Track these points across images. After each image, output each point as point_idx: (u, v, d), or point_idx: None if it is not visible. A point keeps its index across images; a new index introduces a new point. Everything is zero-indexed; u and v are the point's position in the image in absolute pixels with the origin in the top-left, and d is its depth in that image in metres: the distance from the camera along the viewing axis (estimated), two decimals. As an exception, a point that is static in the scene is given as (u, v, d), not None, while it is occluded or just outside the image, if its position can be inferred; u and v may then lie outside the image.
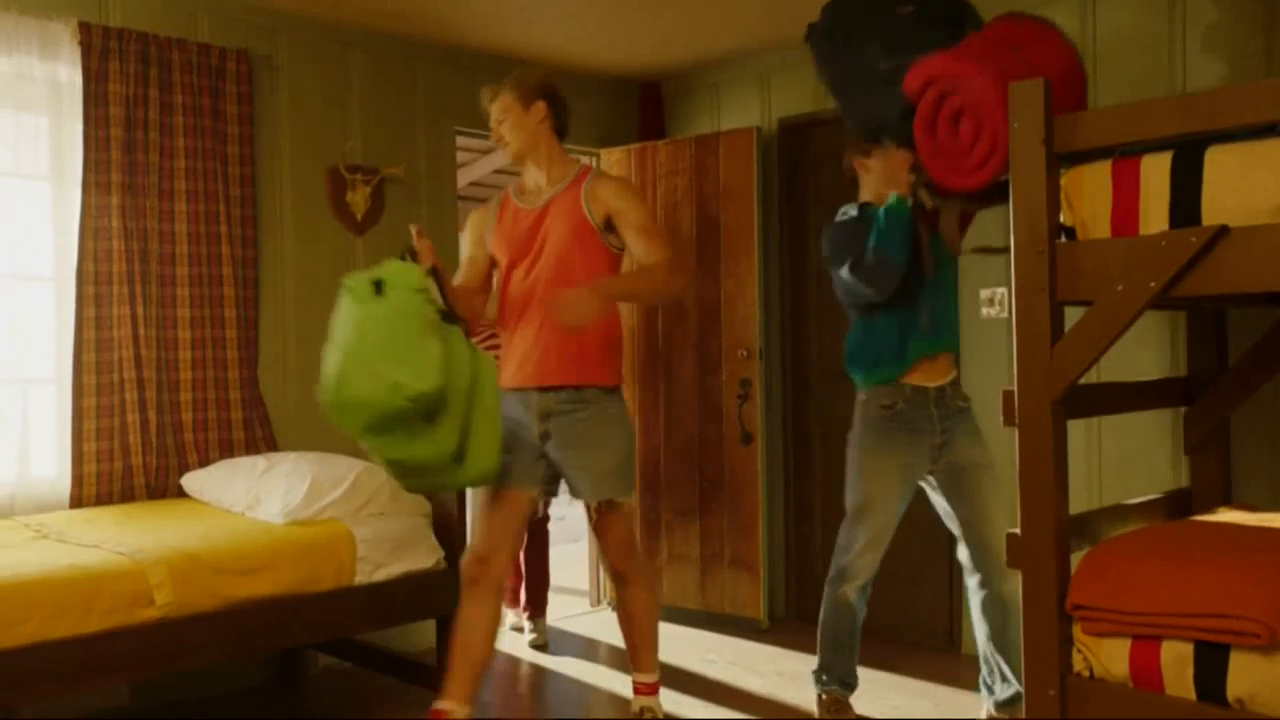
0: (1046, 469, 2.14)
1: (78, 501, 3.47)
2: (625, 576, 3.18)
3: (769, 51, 4.75)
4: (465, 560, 3.03)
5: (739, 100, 4.96)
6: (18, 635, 2.51)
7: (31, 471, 3.47)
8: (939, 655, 4.21)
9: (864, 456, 3.22)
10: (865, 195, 3.22)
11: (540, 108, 3.05)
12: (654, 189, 4.95)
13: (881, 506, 3.17)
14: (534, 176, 3.12)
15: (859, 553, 3.19)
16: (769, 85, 4.85)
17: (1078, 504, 2.88)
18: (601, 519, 3.10)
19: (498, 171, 7.71)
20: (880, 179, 3.15)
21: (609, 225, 3.03)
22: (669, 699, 3.76)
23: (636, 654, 3.24)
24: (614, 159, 5.07)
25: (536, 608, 4.57)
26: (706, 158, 4.78)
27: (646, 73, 5.10)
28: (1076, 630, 2.11)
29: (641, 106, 5.22)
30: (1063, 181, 2.18)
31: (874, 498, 3.18)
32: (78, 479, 3.48)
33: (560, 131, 3.12)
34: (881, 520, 3.18)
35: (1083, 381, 2.22)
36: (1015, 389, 2.18)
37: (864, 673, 3.99)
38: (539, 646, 4.45)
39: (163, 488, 3.63)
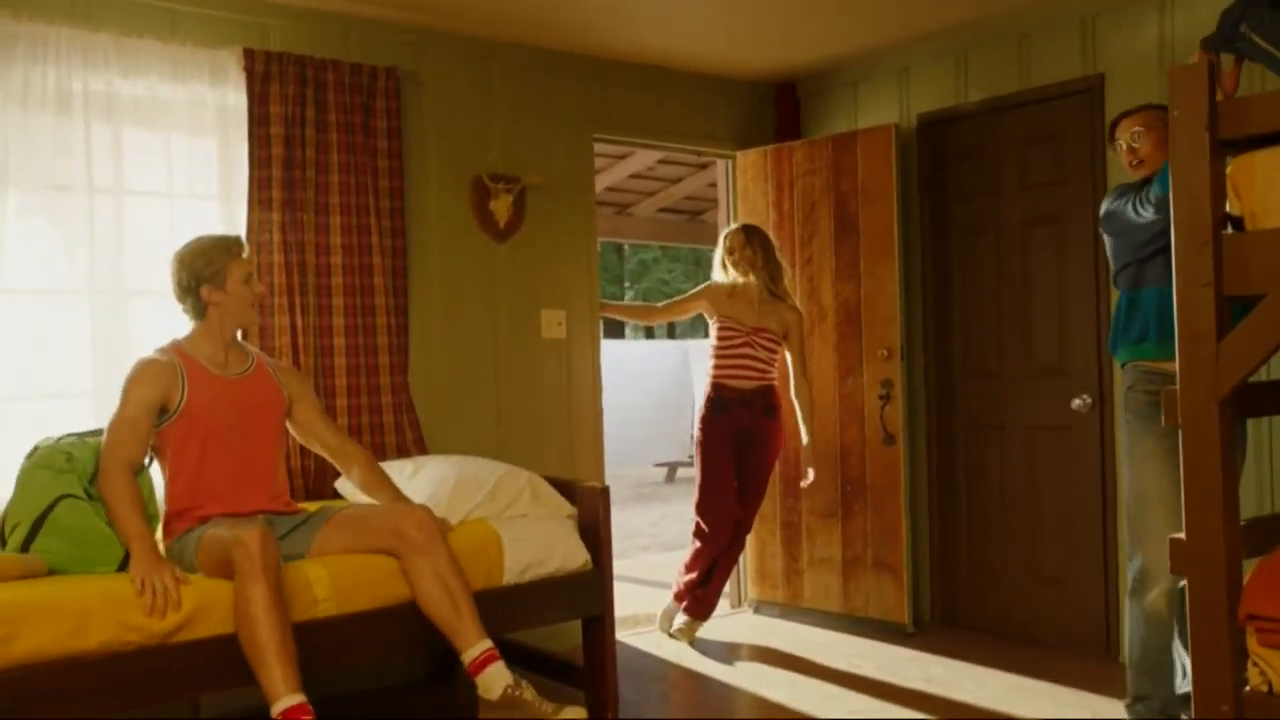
0: (1214, 471, 2.05)
1: (245, 502, 3.68)
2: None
3: (908, 46, 4.67)
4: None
5: (877, 97, 4.89)
6: (200, 629, 2.68)
7: (205, 474, 3.69)
8: (1093, 661, 4.06)
9: (1132, 443, 3.17)
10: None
11: None
12: (791, 189, 4.92)
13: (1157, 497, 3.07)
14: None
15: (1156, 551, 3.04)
16: (908, 81, 4.77)
17: (1247, 508, 2.74)
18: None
19: (634, 176, 7.80)
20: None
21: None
22: (823, 693, 3.74)
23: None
24: (750, 160, 5.07)
25: (702, 611, 4.60)
26: (844, 157, 4.73)
27: (782, 73, 5.07)
28: (1251, 642, 2.01)
29: (777, 107, 5.20)
30: (1228, 170, 2.08)
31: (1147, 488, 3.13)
32: (244, 481, 3.69)
33: None
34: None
35: (1253, 380, 2.11)
36: (1178, 387, 2.10)
37: (1010, 679, 3.90)
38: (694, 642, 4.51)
39: (319, 489, 3.79)
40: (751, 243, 4.54)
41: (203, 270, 3.05)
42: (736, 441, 4.51)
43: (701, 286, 4.74)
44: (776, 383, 4.56)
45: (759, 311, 4.53)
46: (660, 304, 5.04)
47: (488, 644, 2.91)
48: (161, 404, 3.00)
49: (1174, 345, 2.91)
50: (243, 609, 2.65)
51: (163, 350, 3.10)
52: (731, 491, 4.54)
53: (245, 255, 3.14)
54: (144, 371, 3.02)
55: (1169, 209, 2.89)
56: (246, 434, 3.12)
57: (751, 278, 4.53)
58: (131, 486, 2.85)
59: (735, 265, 4.54)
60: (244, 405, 3.13)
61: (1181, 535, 2.11)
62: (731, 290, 4.57)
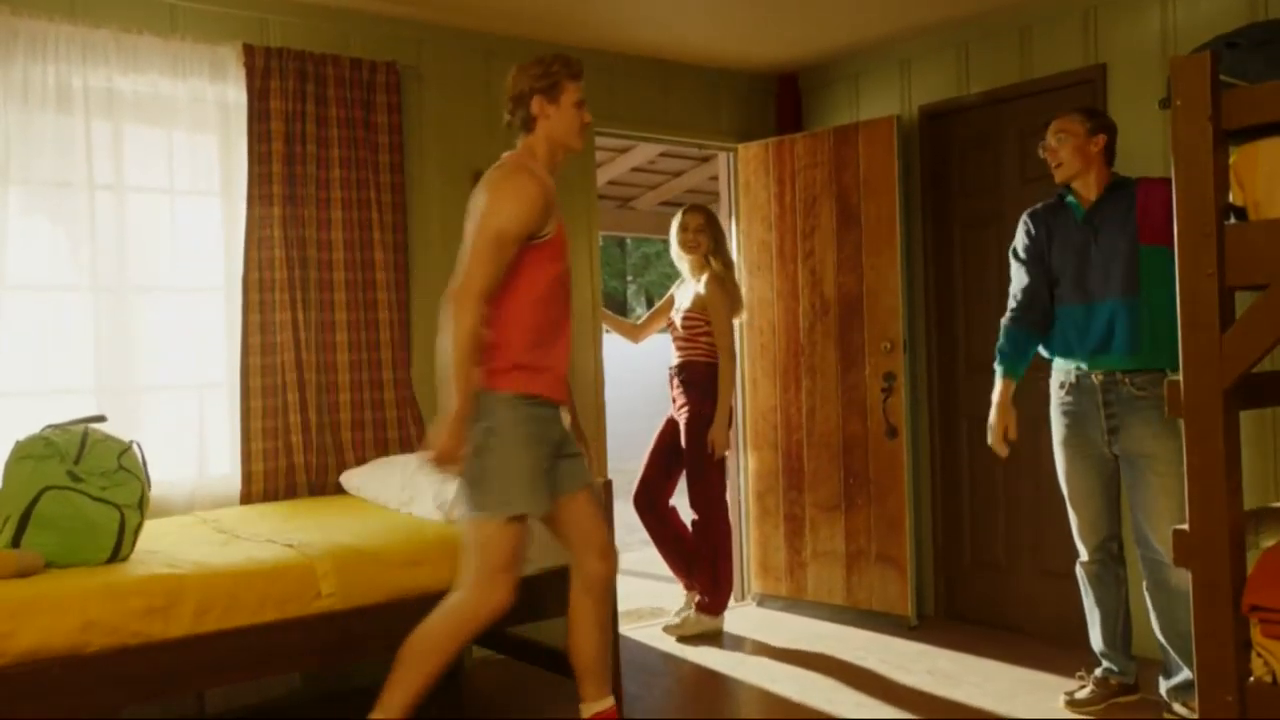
0: (1217, 462, 2.04)
1: (247, 498, 3.67)
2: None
3: (909, 38, 4.65)
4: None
5: (878, 89, 4.88)
6: (204, 623, 2.67)
7: (209, 470, 3.70)
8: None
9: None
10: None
11: None
12: (792, 182, 4.91)
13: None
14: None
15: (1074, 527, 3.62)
16: (909, 72, 4.75)
17: (1252, 499, 2.74)
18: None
19: (636, 169, 7.79)
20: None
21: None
22: (827, 687, 3.74)
23: None
24: (752, 153, 5.06)
25: (706, 606, 4.58)
26: (845, 149, 4.72)
27: (783, 65, 5.06)
28: (1255, 633, 2.00)
29: (779, 100, 5.19)
30: (1232, 160, 2.08)
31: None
32: (246, 477, 3.68)
33: None
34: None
35: (1257, 370, 2.10)
36: (1181, 378, 2.09)
37: (1016, 672, 3.89)
38: (684, 639, 4.48)
39: (323, 485, 3.80)
40: (710, 226, 4.62)
41: (537, 80, 2.85)
42: (672, 420, 4.65)
43: (667, 295, 4.89)
44: (700, 358, 4.57)
45: (684, 292, 4.69)
46: (641, 319, 5.11)
47: (610, 701, 3.02)
48: (530, 235, 2.79)
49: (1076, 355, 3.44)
50: (446, 632, 2.81)
51: (526, 166, 2.83)
52: (651, 473, 4.65)
53: (581, 81, 2.92)
54: (531, 188, 2.77)
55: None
56: (569, 294, 2.95)
57: (705, 266, 4.58)
58: (480, 327, 2.74)
59: (688, 243, 4.57)
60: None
61: (1185, 526, 2.10)
62: (683, 281, 4.76)
